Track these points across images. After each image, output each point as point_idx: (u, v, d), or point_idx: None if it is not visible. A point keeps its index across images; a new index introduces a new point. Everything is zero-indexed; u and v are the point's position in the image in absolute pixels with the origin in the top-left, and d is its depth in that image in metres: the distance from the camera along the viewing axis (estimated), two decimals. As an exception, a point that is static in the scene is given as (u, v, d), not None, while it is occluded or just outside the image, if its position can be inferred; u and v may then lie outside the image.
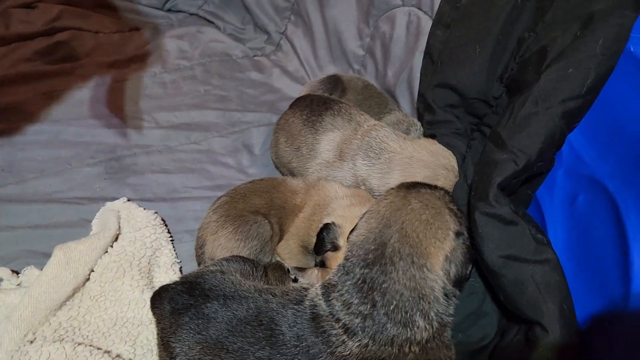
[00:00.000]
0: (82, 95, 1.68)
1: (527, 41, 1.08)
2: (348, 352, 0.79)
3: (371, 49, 1.67)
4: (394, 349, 0.79)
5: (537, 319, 0.89)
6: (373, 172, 1.23)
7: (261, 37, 2.02)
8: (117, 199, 1.30)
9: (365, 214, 0.89)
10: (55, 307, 1.05)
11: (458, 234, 0.84)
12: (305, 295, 0.88)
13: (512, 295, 0.93)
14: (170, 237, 1.27)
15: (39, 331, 1.02)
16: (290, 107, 1.45)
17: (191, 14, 2.12)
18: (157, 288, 1.00)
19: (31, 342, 1.00)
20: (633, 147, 0.89)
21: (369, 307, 0.80)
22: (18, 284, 1.12)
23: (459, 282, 0.82)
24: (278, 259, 1.23)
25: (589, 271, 0.95)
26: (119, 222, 1.21)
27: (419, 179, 1.13)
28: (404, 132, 1.38)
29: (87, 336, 1.05)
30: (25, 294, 1.04)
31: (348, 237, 0.89)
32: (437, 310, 0.80)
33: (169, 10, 2.12)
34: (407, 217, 0.83)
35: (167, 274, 1.18)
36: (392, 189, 0.91)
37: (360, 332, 0.80)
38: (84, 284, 1.11)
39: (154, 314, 0.96)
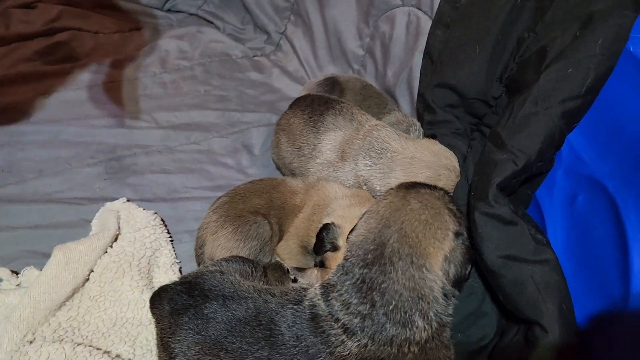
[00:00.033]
0: (82, 96, 1.68)
1: (527, 41, 1.08)
2: (347, 352, 0.79)
3: (371, 49, 1.67)
4: (393, 349, 0.79)
5: (536, 319, 0.89)
6: (375, 172, 1.23)
7: (261, 37, 2.02)
8: (117, 199, 1.30)
9: (364, 214, 0.89)
10: (55, 307, 1.05)
11: (457, 234, 0.84)
12: (305, 296, 0.88)
13: (511, 296, 0.93)
14: (170, 237, 1.27)
15: (39, 331, 1.02)
16: (291, 107, 1.45)
17: (191, 14, 2.12)
18: (156, 288, 1.00)
19: (31, 342, 1.00)
20: (632, 147, 0.89)
21: (368, 307, 0.80)
22: (17, 284, 1.12)
23: (458, 282, 0.82)
24: (277, 259, 1.23)
25: (588, 271, 0.95)
26: (119, 223, 1.21)
27: (420, 179, 1.13)
28: (403, 132, 1.38)
29: (87, 336, 1.05)
30: (25, 294, 1.03)
31: (347, 237, 0.89)
32: (436, 310, 0.80)
33: (168, 10, 2.12)
34: (407, 217, 0.83)
35: (167, 275, 1.18)
36: (391, 189, 0.91)
37: (359, 332, 0.80)
38: (83, 284, 1.11)
39: (153, 314, 0.96)
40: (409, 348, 0.79)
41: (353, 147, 1.27)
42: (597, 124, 0.95)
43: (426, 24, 1.43)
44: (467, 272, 0.84)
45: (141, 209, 1.27)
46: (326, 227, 1.07)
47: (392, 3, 1.56)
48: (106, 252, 1.15)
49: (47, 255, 1.10)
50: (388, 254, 0.81)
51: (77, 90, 1.69)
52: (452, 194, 0.96)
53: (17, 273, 1.15)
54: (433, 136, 1.29)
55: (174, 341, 0.87)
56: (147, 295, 1.06)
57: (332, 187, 1.23)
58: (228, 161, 1.56)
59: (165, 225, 1.29)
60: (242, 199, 1.23)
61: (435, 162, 1.19)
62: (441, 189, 0.91)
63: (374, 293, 0.80)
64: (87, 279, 1.12)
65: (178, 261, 1.24)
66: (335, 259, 1.01)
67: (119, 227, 1.20)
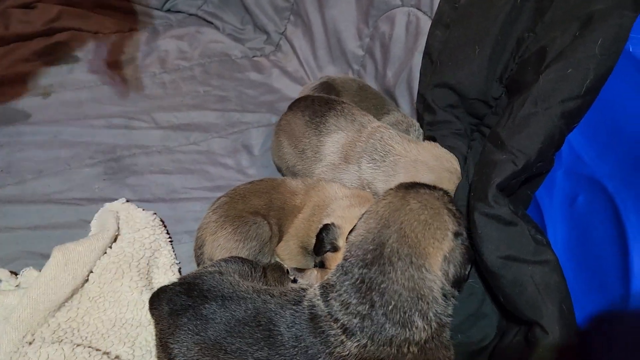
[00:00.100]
0: (81, 96, 1.68)
1: (526, 41, 1.08)
2: (347, 353, 0.79)
3: (371, 49, 1.67)
4: (393, 349, 0.79)
5: (536, 319, 0.89)
6: (378, 175, 1.23)
7: (260, 38, 2.02)
8: (116, 199, 1.30)
9: (364, 214, 0.89)
10: (54, 308, 1.05)
11: (457, 235, 0.84)
12: (304, 296, 0.88)
13: (511, 296, 0.93)
14: (170, 238, 1.27)
15: (38, 332, 1.02)
16: (290, 108, 1.43)
17: (190, 15, 2.12)
18: (155, 289, 1.00)
19: (30, 343, 1.00)
20: (632, 148, 0.89)
21: (367, 307, 0.80)
22: (17, 285, 1.12)
23: (458, 282, 0.82)
24: (277, 259, 1.23)
25: (588, 271, 0.95)
26: (118, 223, 1.21)
27: (423, 182, 1.13)
28: (403, 132, 1.37)
29: (86, 337, 1.05)
30: (24, 295, 1.03)
31: (347, 238, 0.89)
32: (436, 310, 0.80)
33: (168, 10, 2.12)
34: (406, 217, 0.83)
35: (166, 275, 1.18)
36: (390, 189, 0.91)
37: (358, 332, 0.80)
38: (82, 285, 1.11)
39: (153, 315, 0.96)
40: (408, 348, 0.79)
41: (356, 149, 1.27)
42: (597, 124, 0.95)
43: (426, 24, 1.43)
44: (467, 273, 0.84)
45: (140, 209, 1.27)
46: (326, 228, 1.07)
47: (391, 3, 1.56)
48: (105, 252, 1.15)
49: (46, 256, 1.09)
50: (387, 254, 0.80)
51: (76, 91, 1.69)
52: (451, 195, 0.95)
53: (16, 274, 1.15)
54: (432, 138, 1.29)
55: (173, 342, 0.87)
56: (147, 296, 1.06)
57: (332, 188, 1.23)
58: (228, 162, 1.55)
59: (165, 226, 1.29)
60: (241, 199, 1.23)
61: (437, 165, 1.19)
62: (441, 189, 0.91)
63: (373, 293, 0.80)
64: (87, 280, 1.12)
65: (177, 262, 1.23)
66: (335, 260, 1.01)
67: (118, 228, 1.20)
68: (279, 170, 1.48)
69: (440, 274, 0.80)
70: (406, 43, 1.53)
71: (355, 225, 0.89)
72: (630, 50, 0.89)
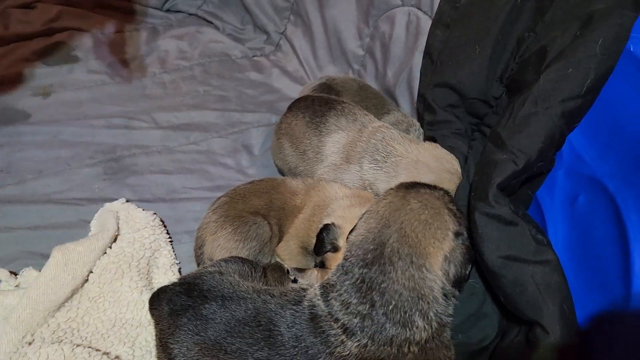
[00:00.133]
0: (81, 96, 1.68)
1: (527, 41, 1.08)
2: (347, 352, 0.79)
3: (371, 49, 1.67)
4: (393, 349, 0.78)
5: (537, 319, 0.89)
6: (379, 175, 1.23)
7: (260, 37, 2.02)
8: (116, 199, 1.30)
9: (364, 214, 0.89)
10: (54, 308, 1.05)
11: (457, 234, 0.84)
12: (304, 296, 0.88)
13: (512, 296, 0.93)
14: (170, 238, 1.27)
15: (38, 333, 1.02)
16: (290, 109, 1.43)
17: (190, 14, 2.12)
18: (155, 289, 1.00)
19: (29, 343, 0.99)
20: (633, 147, 0.89)
21: (367, 307, 0.79)
22: (16, 285, 1.12)
23: (458, 282, 0.82)
24: (277, 259, 1.23)
25: (589, 271, 0.95)
26: (118, 223, 1.21)
27: (424, 183, 1.13)
28: (403, 132, 1.37)
29: (86, 337, 1.05)
30: (24, 295, 1.03)
31: (347, 238, 0.89)
32: (436, 310, 0.80)
33: (168, 10, 2.12)
34: (406, 217, 0.83)
35: (166, 275, 1.18)
36: (391, 189, 0.91)
37: (359, 332, 0.79)
38: (82, 285, 1.11)
39: (152, 315, 0.96)
40: (409, 348, 0.79)
41: (357, 149, 1.27)
42: (598, 124, 0.95)
43: (426, 23, 1.43)
44: (467, 272, 0.83)
45: (140, 209, 1.26)
46: (326, 228, 1.06)
47: (392, 3, 1.56)
48: (105, 252, 1.14)
49: (46, 256, 1.09)
50: (388, 254, 0.80)
51: (76, 91, 1.69)
52: (452, 194, 0.95)
53: (15, 274, 1.15)
54: (433, 139, 1.29)
55: (173, 342, 0.87)
56: (147, 296, 1.06)
57: (332, 188, 1.23)
58: (228, 161, 1.55)
59: (165, 226, 1.29)
60: (241, 199, 1.22)
61: (438, 166, 1.19)
62: (441, 188, 0.91)
63: (374, 293, 0.79)
64: (86, 280, 1.12)
65: (177, 262, 1.23)
66: (335, 260, 1.01)
67: (118, 228, 1.20)
68: (281, 172, 1.48)
69: (440, 273, 0.80)
70: (406, 43, 1.53)
71: (355, 225, 0.89)
72: (631, 49, 0.89)
